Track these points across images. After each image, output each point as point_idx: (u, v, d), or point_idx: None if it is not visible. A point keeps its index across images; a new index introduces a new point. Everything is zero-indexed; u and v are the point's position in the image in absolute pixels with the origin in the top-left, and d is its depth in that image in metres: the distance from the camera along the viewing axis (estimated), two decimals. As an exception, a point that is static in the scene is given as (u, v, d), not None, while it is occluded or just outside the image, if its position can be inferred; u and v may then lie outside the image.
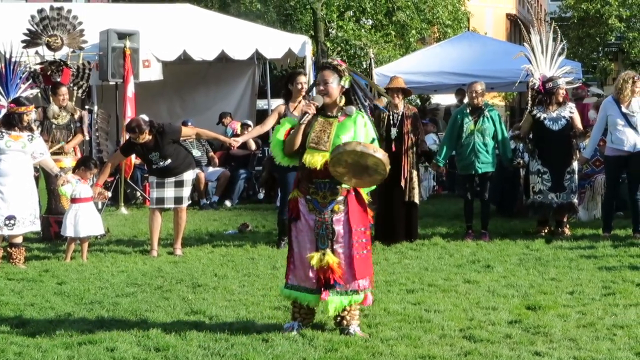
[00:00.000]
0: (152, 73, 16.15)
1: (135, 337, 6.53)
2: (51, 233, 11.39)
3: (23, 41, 13.62)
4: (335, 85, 6.45)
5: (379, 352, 6.13)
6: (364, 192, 6.61)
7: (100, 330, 6.69)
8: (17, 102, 10.04)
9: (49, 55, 13.63)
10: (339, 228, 6.42)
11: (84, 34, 14.35)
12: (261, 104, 20.32)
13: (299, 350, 6.16)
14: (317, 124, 6.47)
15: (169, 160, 10.29)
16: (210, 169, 16.43)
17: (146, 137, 10.24)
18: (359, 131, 6.46)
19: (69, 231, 10.15)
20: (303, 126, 6.45)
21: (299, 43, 17.21)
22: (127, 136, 11.38)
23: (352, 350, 6.14)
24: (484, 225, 11.57)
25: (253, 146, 16.33)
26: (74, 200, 10.19)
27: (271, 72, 18.86)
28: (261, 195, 16.94)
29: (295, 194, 6.55)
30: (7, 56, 10.75)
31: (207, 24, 17.50)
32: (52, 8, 14.11)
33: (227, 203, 16.16)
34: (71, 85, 13.83)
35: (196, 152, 15.90)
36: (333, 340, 6.37)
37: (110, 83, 15.65)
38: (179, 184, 10.42)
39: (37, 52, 13.92)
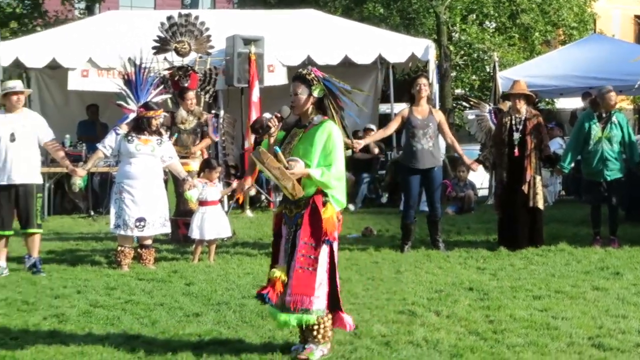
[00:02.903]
0: (276, 78, 16.32)
1: (261, 338, 6.62)
2: (179, 235, 11.63)
3: (153, 47, 13.97)
4: (305, 96, 6.16)
5: (505, 358, 6.05)
6: (335, 205, 6.17)
7: (228, 331, 6.81)
8: (146, 106, 10.29)
9: (177, 61, 13.95)
10: (298, 242, 6.08)
11: (210, 39, 14.64)
12: (384, 108, 20.32)
13: (423, 355, 6.14)
14: (288, 137, 6.26)
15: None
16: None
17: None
18: (317, 141, 6.06)
19: (195, 234, 10.36)
20: (266, 138, 6.28)
21: (422, 47, 17.14)
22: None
23: (478, 356, 6.08)
24: (612, 231, 11.29)
25: (376, 150, 16.43)
26: (201, 203, 10.40)
27: (394, 76, 18.82)
28: (384, 199, 16.94)
29: (278, 209, 6.42)
30: (137, 62, 11.03)
31: (330, 28, 17.62)
32: (180, 15, 14.44)
33: (351, 207, 16.17)
34: (198, 90, 14.12)
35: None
36: (458, 345, 6.32)
37: (236, 87, 15.89)
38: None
39: (165, 58, 14.26)
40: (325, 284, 6.12)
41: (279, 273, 6.08)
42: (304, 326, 6.08)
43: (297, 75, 6.22)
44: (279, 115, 6.18)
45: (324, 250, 6.10)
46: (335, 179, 6.11)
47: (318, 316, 6.07)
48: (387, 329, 6.88)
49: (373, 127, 16.94)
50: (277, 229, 6.33)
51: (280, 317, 6.07)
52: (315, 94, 6.17)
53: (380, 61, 17.55)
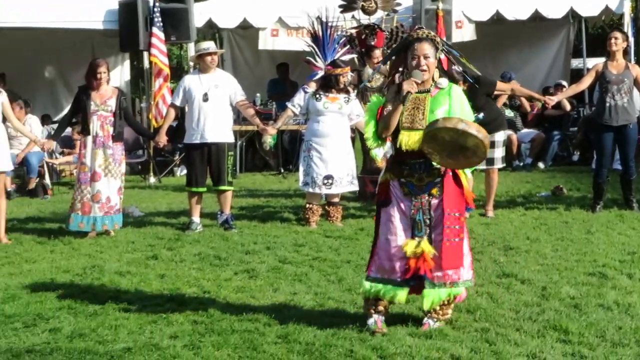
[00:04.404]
0: (464, 34, 16.12)
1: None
2: (367, 192, 11.69)
3: (340, 6, 14.03)
4: (433, 59, 5.81)
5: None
6: (463, 173, 5.98)
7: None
8: (334, 64, 10.37)
9: (363, 19, 13.94)
10: (436, 213, 5.77)
11: (397, -4, 14.55)
12: (575, 63, 19.71)
13: (614, 319, 5.96)
14: (408, 102, 5.79)
15: (481, 115, 10.24)
16: (524, 130, 16.21)
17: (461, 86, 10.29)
18: (454, 105, 5.83)
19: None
20: (401, 106, 5.75)
21: (616, -1, 16.49)
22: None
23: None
24: None
25: (568, 107, 15.97)
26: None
27: (586, 31, 18.20)
28: (576, 157, 16.50)
29: (387, 176, 5.89)
30: (324, 20, 11.11)
31: (520, -18, 17.17)
32: (367, -27, 14.39)
33: (541, 165, 15.88)
34: (385, 48, 14.07)
35: (509, 113, 15.74)
36: (651, 309, 6.12)
37: (423, 45, 15.75)
38: (491, 145, 10.27)
39: (353, 16, 14.29)
40: (469, 253, 5.96)
41: (428, 247, 5.72)
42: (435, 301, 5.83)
43: (425, 37, 5.83)
44: (418, 81, 5.75)
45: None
46: None
47: (465, 287, 5.98)
48: (576, 291, 6.72)
49: (564, 83, 16.47)
50: (385, 199, 5.87)
51: (429, 294, 5.80)
52: (441, 56, 5.94)
53: (572, 15, 16.96)
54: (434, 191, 5.79)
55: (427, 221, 5.77)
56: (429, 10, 15.26)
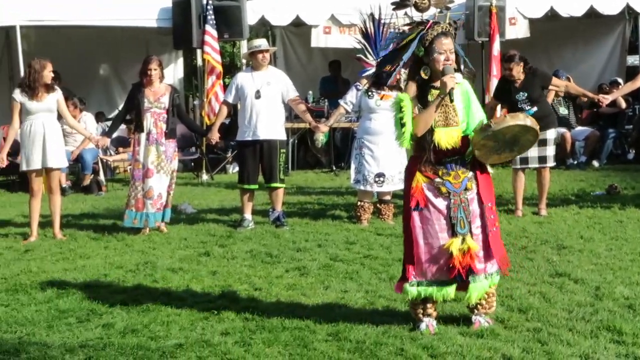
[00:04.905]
0: (518, 30, 16.00)
1: (499, 297, 6.53)
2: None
3: (392, 3, 13.95)
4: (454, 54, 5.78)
5: None
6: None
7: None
8: (387, 61, 10.33)
9: (416, 16, 13.86)
10: (473, 207, 5.74)
11: (451, -7, 14.46)
12: (631, 60, 19.45)
13: (673, 320, 5.89)
14: (432, 98, 5.73)
15: (535, 108, 10.15)
16: (578, 127, 16.04)
17: (519, 72, 10.23)
18: (472, 98, 5.80)
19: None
20: (438, 104, 5.66)
21: (674, -6, 16.24)
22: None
23: None
24: None
25: (623, 104, 15.78)
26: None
27: (643, 27, 17.97)
28: (631, 156, 16.29)
29: (418, 179, 5.73)
30: (377, 17, 11.08)
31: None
32: (420, -31, 14.33)
33: (595, 163, 15.70)
34: (438, 45, 14.01)
35: (563, 110, 15.60)
36: None
37: (476, 42, 15.68)
38: (542, 143, 10.24)
39: (406, 13, 14.22)
40: None
41: (472, 243, 5.68)
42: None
43: (447, 32, 5.88)
44: (453, 76, 5.70)
45: None
46: None
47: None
48: (631, 291, 6.64)
49: (620, 80, 16.27)
50: (422, 202, 5.73)
51: (474, 288, 5.75)
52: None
53: (628, 11, 16.73)
54: (469, 185, 5.77)
55: (469, 217, 5.73)
56: (483, 6, 15.19)
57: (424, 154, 5.73)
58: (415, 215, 5.74)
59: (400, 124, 5.68)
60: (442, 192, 5.73)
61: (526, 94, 10.22)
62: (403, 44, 5.98)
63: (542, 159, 10.31)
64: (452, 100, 5.69)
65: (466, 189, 5.76)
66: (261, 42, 10.37)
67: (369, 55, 10.83)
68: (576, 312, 6.11)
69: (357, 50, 11.06)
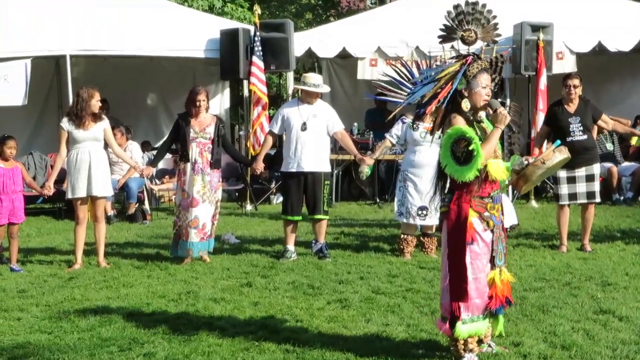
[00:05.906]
0: (565, 65, 15.90)
1: (542, 333, 6.49)
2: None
3: (439, 36, 13.98)
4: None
5: None
6: None
7: (507, 324, 6.67)
8: (432, 94, 10.32)
9: (463, 50, 13.85)
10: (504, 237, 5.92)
11: (497, 27, 14.42)
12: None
13: None
14: (480, 132, 5.82)
15: (585, 136, 10.08)
16: (625, 163, 15.88)
17: (579, 92, 10.20)
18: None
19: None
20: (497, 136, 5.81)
21: None
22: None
23: None
24: None
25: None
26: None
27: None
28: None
29: (471, 214, 5.68)
30: (427, 52, 11.11)
31: (623, 12, 16.86)
32: (467, 3, 14.20)
33: (645, 198, 15.55)
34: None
35: (609, 146, 15.47)
36: None
37: (523, 75, 15.63)
38: (590, 178, 10.18)
39: (452, 47, 14.23)
40: None
41: (508, 275, 5.85)
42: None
43: (488, 68, 6.10)
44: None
45: None
46: None
47: None
48: (676, 331, 6.55)
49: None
50: (473, 237, 5.70)
51: (501, 318, 5.94)
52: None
53: (677, 45, 16.62)
54: (501, 217, 5.85)
55: (504, 249, 5.85)
56: (530, 40, 15.15)
57: (472, 187, 5.69)
58: (468, 250, 5.70)
59: (467, 155, 5.57)
60: (490, 225, 5.74)
61: (579, 119, 10.15)
62: (440, 76, 5.90)
63: (591, 195, 10.22)
64: (513, 132, 5.84)
65: (502, 221, 5.82)
66: (319, 82, 10.25)
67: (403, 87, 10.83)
68: (620, 350, 6.04)
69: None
